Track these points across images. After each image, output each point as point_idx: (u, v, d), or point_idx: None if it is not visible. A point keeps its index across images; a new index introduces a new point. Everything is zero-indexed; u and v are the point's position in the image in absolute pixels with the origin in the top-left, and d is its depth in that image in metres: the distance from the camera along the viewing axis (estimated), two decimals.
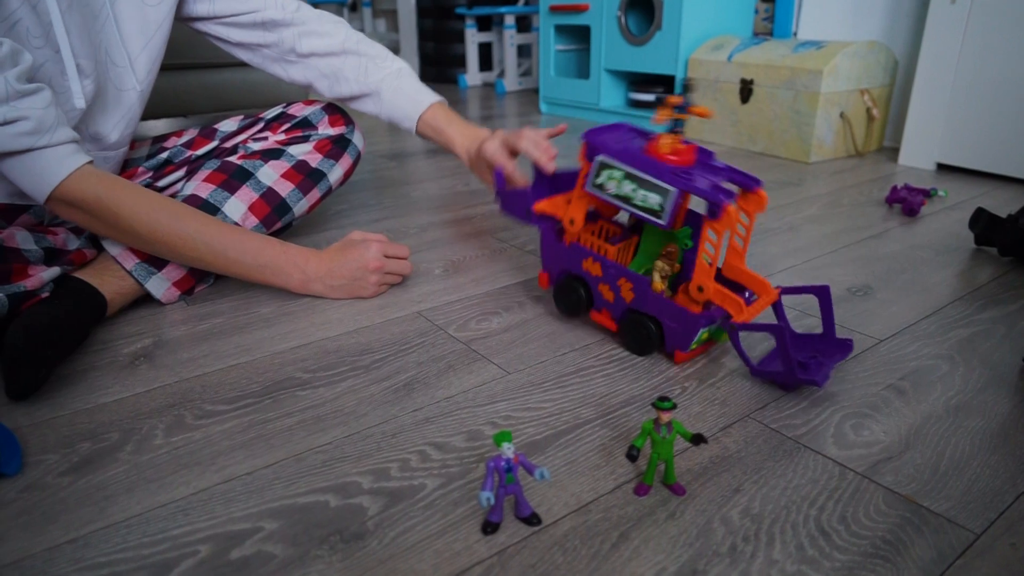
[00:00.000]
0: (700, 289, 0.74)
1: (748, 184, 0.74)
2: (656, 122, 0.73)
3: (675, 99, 0.73)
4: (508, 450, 0.52)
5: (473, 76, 3.47)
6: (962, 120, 1.62)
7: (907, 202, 1.33)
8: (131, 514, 0.56)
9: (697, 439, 0.57)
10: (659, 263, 0.79)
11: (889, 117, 1.94)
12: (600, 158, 0.76)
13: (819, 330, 0.86)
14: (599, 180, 0.77)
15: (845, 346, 0.78)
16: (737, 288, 0.81)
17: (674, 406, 0.56)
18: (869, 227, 1.26)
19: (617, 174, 0.75)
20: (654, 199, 0.72)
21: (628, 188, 0.74)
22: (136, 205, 0.81)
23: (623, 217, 0.99)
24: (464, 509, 0.56)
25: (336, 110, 1.16)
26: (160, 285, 0.93)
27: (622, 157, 0.74)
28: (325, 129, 1.12)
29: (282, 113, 1.16)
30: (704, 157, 0.77)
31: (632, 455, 0.57)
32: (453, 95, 3.12)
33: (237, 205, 0.99)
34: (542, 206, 0.86)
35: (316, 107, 1.15)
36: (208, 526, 0.55)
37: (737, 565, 0.51)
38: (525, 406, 0.71)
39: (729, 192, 0.70)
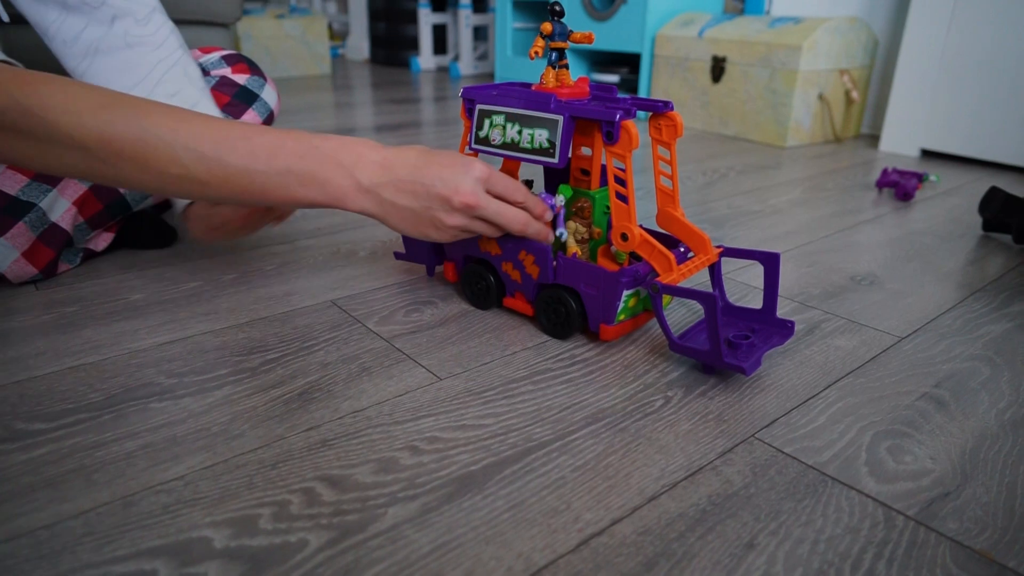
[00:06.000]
0: (624, 237, 0.61)
1: (656, 107, 0.63)
2: (533, 57, 0.62)
3: (547, 26, 0.63)
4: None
5: (427, 59, 3.27)
6: (949, 103, 1.50)
7: (900, 186, 1.19)
8: None
9: None
10: (570, 224, 0.66)
11: (867, 102, 1.81)
12: (480, 106, 0.65)
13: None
14: (482, 132, 0.65)
15: (786, 328, 0.65)
16: (670, 244, 0.69)
17: None
18: (861, 211, 1.12)
19: (499, 119, 0.64)
20: (541, 135, 0.62)
21: (513, 132, 0.63)
22: (71, 102, 0.51)
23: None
24: None
25: (240, 59, 0.96)
26: (4, 255, 0.72)
27: (501, 100, 0.64)
28: (222, 71, 0.92)
29: None
30: (602, 91, 0.66)
31: None
32: (404, 79, 2.92)
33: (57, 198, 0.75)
34: None
35: (215, 55, 0.95)
36: None
37: None
38: (459, 423, 0.53)
39: (627, 110, 0.59)
